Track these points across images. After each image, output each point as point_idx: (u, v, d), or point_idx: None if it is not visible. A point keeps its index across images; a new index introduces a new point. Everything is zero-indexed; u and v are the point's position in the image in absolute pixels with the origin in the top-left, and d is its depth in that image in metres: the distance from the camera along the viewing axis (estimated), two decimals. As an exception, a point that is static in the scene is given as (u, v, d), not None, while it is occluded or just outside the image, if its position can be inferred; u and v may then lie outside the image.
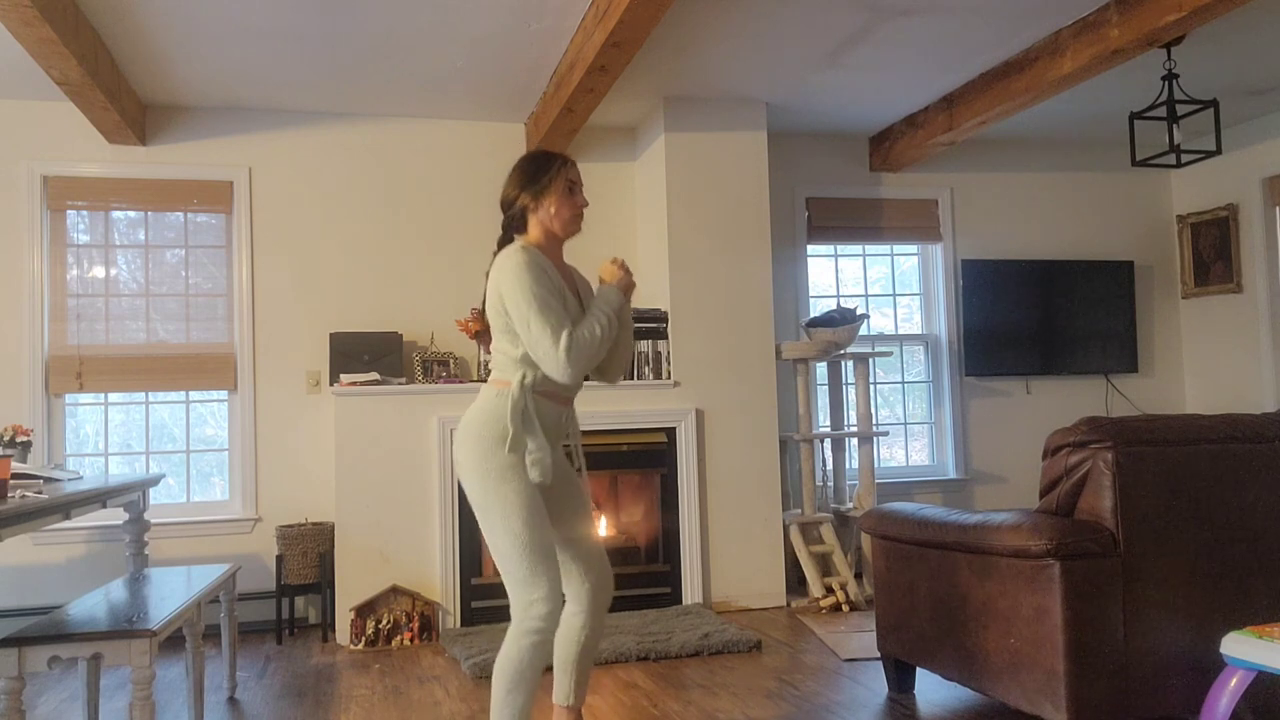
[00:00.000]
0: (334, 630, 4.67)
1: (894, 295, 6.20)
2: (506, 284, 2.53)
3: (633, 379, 5.06)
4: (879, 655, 3.63)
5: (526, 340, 2.52)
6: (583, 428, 4.70)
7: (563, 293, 2.59)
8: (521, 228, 2.71)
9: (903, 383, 6.19)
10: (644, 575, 4.97)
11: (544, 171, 2.66)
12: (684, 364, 5.11)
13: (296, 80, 4.76)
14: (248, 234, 5.11)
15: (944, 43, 4.55)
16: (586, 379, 2.72)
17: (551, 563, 2.51)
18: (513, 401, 2.54)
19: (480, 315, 5.28)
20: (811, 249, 5.99)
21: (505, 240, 2.72)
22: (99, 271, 4.99)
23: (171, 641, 4.56)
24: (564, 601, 2.65)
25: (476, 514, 2.56)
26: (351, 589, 4.58)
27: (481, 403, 2.61)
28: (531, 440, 2.55)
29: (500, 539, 2.51)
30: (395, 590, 4.57)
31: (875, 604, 3.50)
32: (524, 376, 2.57)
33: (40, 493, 2.95)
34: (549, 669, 3.75)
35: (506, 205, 2.70)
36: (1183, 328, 6.54)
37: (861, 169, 6.06)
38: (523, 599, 2.48)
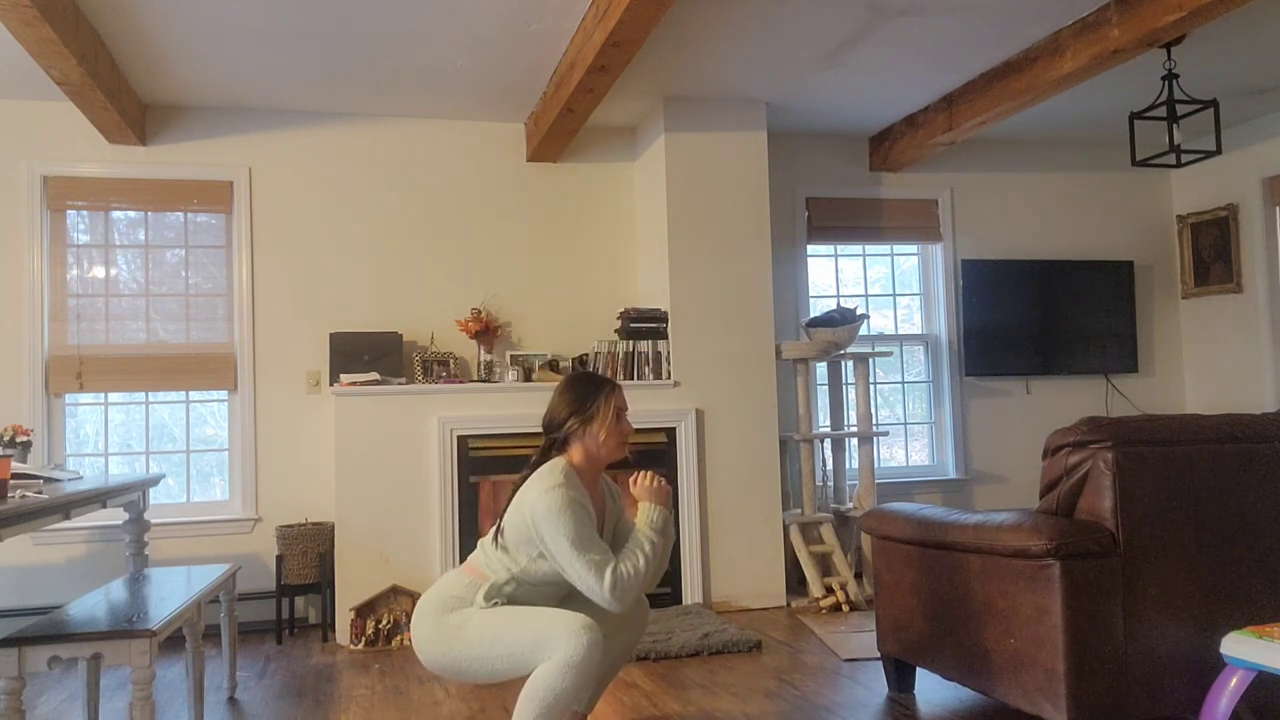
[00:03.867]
0: (334, 630, 4.67)
1: (894, 295, 6.20)
2: (544, 522, 2.51)
3: (633, 379, 5.06)
4: (879, 655, 3.63)
5: (571, 575, 2.51)
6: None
7: (600, 518, 2.67)
8: (563, 447, 2.72)
9: (903, 383, 6.19)
10: (644, 575, 4.96)
11: (593, 397, 2.68)
12: (684, 364, 5.11)
13: (296, 80, 4.76)
14: (248, 234, 5.11)
15: (944, 43, 4.55)
16: None
17: (557, 611, 2.48)
18: (488, 587, 2.56)
19: (479, 317, 5.24)
20: (811, 249, 5.99)
21: (544, 454, 2.72)
22: (99, 271, 4.99)
23: (171, 641, 4.57)
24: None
25: (469, 671, 2.51)
26: (351, 589, 4.58)
27: (448, 586, 2.61)
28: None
29: (501, 646, 2.46)
30: (395, 590, 4.57)
31: (875, 604, 3.50)
32: (506, 583, 2.58)
33: (40, 493, 2.95)
34: None
35: (553, 427, 2.70)
36: (1183, 328, 6.54)
37: (861, 169, 6.06)
38: (562, 640, 2.40)
